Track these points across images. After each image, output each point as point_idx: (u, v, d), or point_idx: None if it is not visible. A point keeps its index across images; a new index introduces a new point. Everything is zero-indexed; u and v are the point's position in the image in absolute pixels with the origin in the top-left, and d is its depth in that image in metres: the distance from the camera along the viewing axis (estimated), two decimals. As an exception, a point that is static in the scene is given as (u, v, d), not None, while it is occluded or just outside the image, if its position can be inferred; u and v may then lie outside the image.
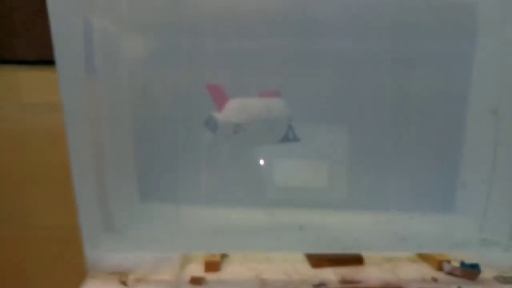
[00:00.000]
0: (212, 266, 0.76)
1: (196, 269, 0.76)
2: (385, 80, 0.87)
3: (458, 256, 0.80)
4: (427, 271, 0.78)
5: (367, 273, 0.76)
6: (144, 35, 0.84)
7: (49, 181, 1.09)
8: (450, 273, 0.76)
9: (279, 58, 0.84)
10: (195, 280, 0.71)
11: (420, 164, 0.88)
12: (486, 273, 0.75)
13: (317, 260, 0.79)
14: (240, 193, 0.89)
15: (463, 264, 0.76)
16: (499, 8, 0.81)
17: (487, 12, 0.83)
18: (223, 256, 0.81)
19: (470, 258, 0.77)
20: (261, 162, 0.88)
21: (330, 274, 0.76)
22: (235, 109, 0.78)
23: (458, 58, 0.86)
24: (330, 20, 0.83)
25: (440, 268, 0.78)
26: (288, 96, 0.84)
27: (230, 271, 0.77)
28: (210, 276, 0.74)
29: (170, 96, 0.84)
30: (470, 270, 0.75)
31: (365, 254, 0.81)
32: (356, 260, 0.80)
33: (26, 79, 0.99)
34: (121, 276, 0.73)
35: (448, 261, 0.78)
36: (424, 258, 0.82)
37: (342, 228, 0.82)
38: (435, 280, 0.74)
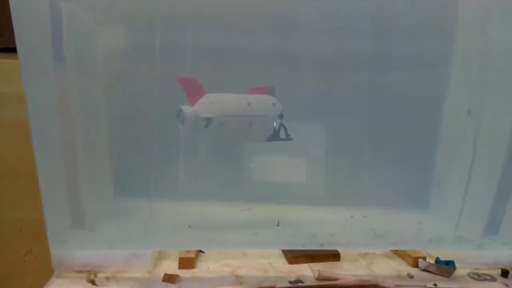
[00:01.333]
0: (187, 263, 0.73)
1: (170, 266, 0.74)
2: (363, 79, 0.87)
3: (433, 253, 0.80)
4: (403, 267, 0.78)
5: (343, 269, 0.76)
6: (120, 25, 0.80)
7: (17, 174, 1.04)
8: (425, 270, 0.77)
9: (258, 55, 0.82)
10: (169, 278, 0.69)
11: (396, 163, 0.88)
12: (461, 270, 0.76)
13: (294, 256, 0.78)
14: (216, 188, 0.87)
15: (438, 261, 0.77)
16: (479, 9, 0.81)
17: (467, 13, 0.83)
18: (198, 252, 0.79)
19: (445, 255, 0.78)
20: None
21: (306, 270, 0.75)
22: (209, 103, 0.75)
23: (437, 59, 0.86)
24: (310, 18, 0.82)
25: (415, 264, 0.78)
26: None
27: (205, 268, 0.75)
28: (185, 273, 0.71)
29: (145, 90, 0.81)
30: (445, 267, 0.75)
31: (341, 250, 0.81)
32: (332, 256, 0.79)
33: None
34: (90, 274, 0.70)
35: (424, 258, 0.78)
36: (399, 254, 0.82)
37: (319, 224, 0.82)
38: (410, 276, 0.74)
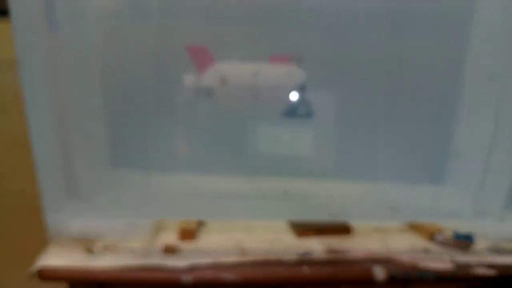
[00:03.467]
0: (187, 234, 0.70)
1: (170, 237, 0.70)
2: (379, 42, 0.81)
3: (450, 226, 0.76)
4: (418, 241, 0.74)
5: (355, 243, 0.71)
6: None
7: (12, 144, 1.01)
8: (442, 244, 0.72)
9: (266, 16, 0.77)
10: (169, 249, 0.65)
11: (412, 133, 0.83)
12: (479, 244, 0.72)
13: (302, 229, 0.73)
14: (218, 160, 0.82)
15: (456, 235, 0.72)
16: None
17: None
18: (200, 223, 0.75)
19: (463, 228, 0.73)
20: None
21: (315, 244, 0.70)
22: (212, 72, 0.70)
23: (456, 20, 0.80)
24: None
25: (431, 238, 0.74)
26: (273, 52, 0.77)
27: (207, 239, 0.70)
28: (185, 245, 0.67)
29: (142, 53, 0.76)
30: (462, 241, 0.71)
31: (353, 223, 0.76)
32: (343, 229, 0.75)
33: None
34: (87, 243, 0.66)
35: (440, 232, 0.74)
36: (415, 228, 0.78)
37: (329, 195, 0.77)
38: (426, 251, 0.70)
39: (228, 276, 0.60)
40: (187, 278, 0.59)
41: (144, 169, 0.76)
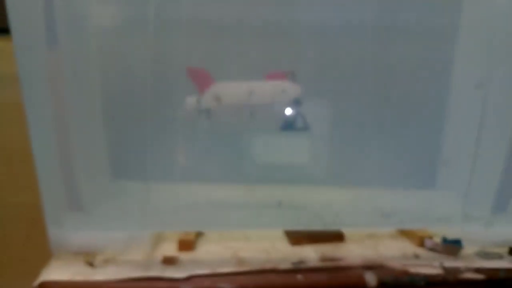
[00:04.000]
0: (186, 245, 0.72)
1: (169, 249, 0.72)
2: (368, 52, 0.83)
3: (440, 231, 0.78)
4: (409, 247, 0.76)
5: (348, 250, 0.74)
6: (112, 1, 0.77)
7: (13, 158, 1.03)
8: (432, 249, 0.75)
9: (258, 29, 0.79)
10: (168, 260, 0.67)
11: (403, 140, 0.86)
12: (468, 249, 0.74)
13: (297, 238, 0.76)
14: (216, 170, 0.85)
15: (445, 240, 0.75)
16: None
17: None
18: (198, 234, 0.77)
19: (452, 233, 0.76)
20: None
21: (310, 251, 0.73)
22: (210, 93, 0.73)
23: (443, 30, 0.83)
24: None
25: (421, 244, 0.76)
26: (267, 68, 0.79)
27: (206, 250, 0.73)
28: (184, 256, 0.70)
29: (140, 68, 0.78)
30: (452, 246, 0.74)
31: (346, 230, 0.79)
32: (336, 237, 0.77)
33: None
34: (88, 256, 0.68)
35: (430, 237, 0.76)
36: (406, 234, 0.81)
37: (323, 204, 0.80)
38: (416, 256, 0.72)
39: (226, 285, 0.62)
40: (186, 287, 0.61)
41: (144, 181, 0.78)
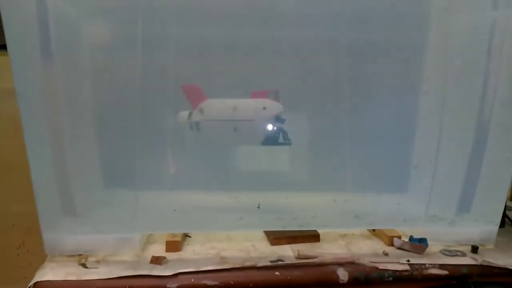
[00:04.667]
0: (174, 246, 0.77)
1: (158, 250, 0.78)
2: (343, 67, 0.90)
3: (407, 232, 0.85)
4: (379, 246, 0.83)
5: (323, 248, 0.80)
6: (105, 19, 0.83)
7: (9, 168, 1.07)
8: (400, 248, 0.81)
9: (241, 47, 0.85)
10: (156, 260, 0.73)
11: (376, 147, 0.92)
12: (433, 247, 0.81)
13: (276, 238, 0.82)
14: (203, 179, 0.90)
15: (412, 239, 0.81)
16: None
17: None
18: (185, 236, 0.83)
19: (418, 233, 0.82)
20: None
21: (288, 250, 0.79)
22: (200, 108, 0.80)
23: (412, 46, 0.90)
24: (290, 9, 0.85)
25: (391, 243, 0.82)
26: (250, 82, 0.86)
27: (191, 250, 0.78)
28: (171, 256, 0.75)
29: (130, 82, 0.84)
30: (418, 244, 0.80)
31: (321, 231, 0.85)
32: (313, 237, 0.83)
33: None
34: (81, 258, 0.73)
35: (399, 237, 0.83)
36: (376, 234, 0.87)
37: (301, 208, 0.85)
38: (386, 254, 0.79)
39: (209, 282, 0.68)
40: (172, 285, 0.67)
41: (133, 188, 0.83)
